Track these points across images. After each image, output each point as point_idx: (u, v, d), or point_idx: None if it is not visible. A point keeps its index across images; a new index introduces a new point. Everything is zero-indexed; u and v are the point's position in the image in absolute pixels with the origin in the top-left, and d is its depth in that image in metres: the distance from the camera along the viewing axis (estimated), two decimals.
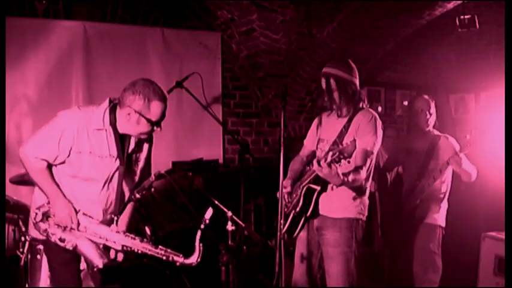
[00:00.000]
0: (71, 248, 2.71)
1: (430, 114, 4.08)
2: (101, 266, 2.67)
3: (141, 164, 2.92)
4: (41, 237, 2.78)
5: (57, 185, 2.76)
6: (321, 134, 3.40)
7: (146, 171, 2.98)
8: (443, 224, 4.03)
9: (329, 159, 2.87)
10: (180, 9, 5.10)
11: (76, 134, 2.68)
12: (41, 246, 3.64)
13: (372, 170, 3.32)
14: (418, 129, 4.14)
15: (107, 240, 2.75)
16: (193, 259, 2.71)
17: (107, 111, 2.75)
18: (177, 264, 2.72)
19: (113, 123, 2.74)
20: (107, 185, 2.80)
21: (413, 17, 5.05)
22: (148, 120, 2.72)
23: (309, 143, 3.53)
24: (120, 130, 2.77)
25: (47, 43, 4.51)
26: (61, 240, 2.71)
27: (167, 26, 5.05)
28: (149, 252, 2.76)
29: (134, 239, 2.77)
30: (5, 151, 4.20)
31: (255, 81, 5.53)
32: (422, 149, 4.06)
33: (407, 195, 4.04)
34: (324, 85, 3.28)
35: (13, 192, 3.94)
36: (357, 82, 3.31)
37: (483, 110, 6.17)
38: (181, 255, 2.74)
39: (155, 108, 2.72)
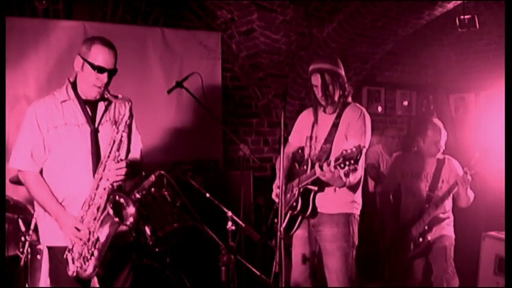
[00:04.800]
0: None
1: (442, 144, 4.05)
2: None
3: (121, 127, 2.83)
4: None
5: (57, 200, 2.75)
6: (309, 131, 3.41)
7: (130, 137, 2.97)
8: (453, 234, 4.04)
9: (332, 164, 2.87)
10: (180, 9, 5.10)
11: (47, 111, 2.74)
12: (41, 246, 3.65)
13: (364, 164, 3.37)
14: (426, 154, 4.09)
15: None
16: None
17: (69, 85, 2.81)
18: None
19: (78, 95, 2.80)
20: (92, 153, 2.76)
21: (413, 17, 5.05)
22: (90, 64, 2.72)
23: (294, 140, 3.55)
24: (82, 94, 2.79)
25: (47, 43, 4.51)
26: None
27: (167, 26, 5.05)
28: None
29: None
30: (5, 151, 4.19)
31: (255, 81, 5.53)
32: (429, 173, 4.04)
33: (415, 220, 3.99)
34: (319, 81, 3.27)
35: (13, 192, 3.94)
36: (344, 75, 3.35)
37: (483, 109, 6.17)
38: None
39: (95, 50, 2.72)
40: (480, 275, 4.57)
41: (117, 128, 2.75)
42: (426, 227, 3.93)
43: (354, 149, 2.81)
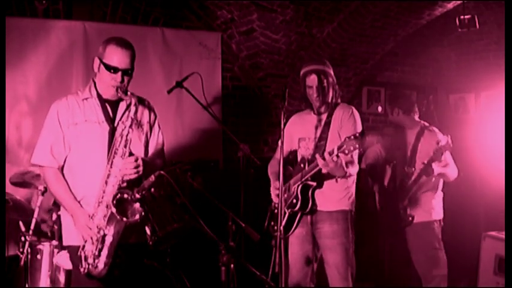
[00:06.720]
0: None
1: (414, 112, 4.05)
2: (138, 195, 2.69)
3: (145, 127, 2.96)
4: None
5: (74, 197, 2.77)
6: (300, 133, 3.51)
7: (154, 139, 3.05)
8: (440, 217, 3.99)
9: (336, 152, 2.98)
10: (180, 9, 5.10)
11: (68, 109, 2.80)
12: (41, 246, 3.65)
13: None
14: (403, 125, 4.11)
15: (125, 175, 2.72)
16: None
17: (92, 84, 2.88)
18: None
19: (99, 93, 2.86)
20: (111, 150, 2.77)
21: (413, 17, 5.05)
22: (104, 65, 2.77)
23: (285, 145, 3.56)
24: (102, 94, 2.85)
25: (47, 43, 4.51)
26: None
27: (167, 26, 5.05)
28: None
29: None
30: (5, 151, 4.19)
31: (255, 81, 5.53)
32: (408, 143, 4.02)
33: (398, 194, 3.99)
34: (315, 81, 3.38)
35: (13, 192, 3.94)
36: (334, 76, 3.50)
37: (483, 110, 6.17)
38: None
39: (109, 51, 2.77)
40: (480, 275, 4.58)
41: (123, 124, 2.78)
42: (406, 202, 3.90)
43: (358, 134, 2.94)
